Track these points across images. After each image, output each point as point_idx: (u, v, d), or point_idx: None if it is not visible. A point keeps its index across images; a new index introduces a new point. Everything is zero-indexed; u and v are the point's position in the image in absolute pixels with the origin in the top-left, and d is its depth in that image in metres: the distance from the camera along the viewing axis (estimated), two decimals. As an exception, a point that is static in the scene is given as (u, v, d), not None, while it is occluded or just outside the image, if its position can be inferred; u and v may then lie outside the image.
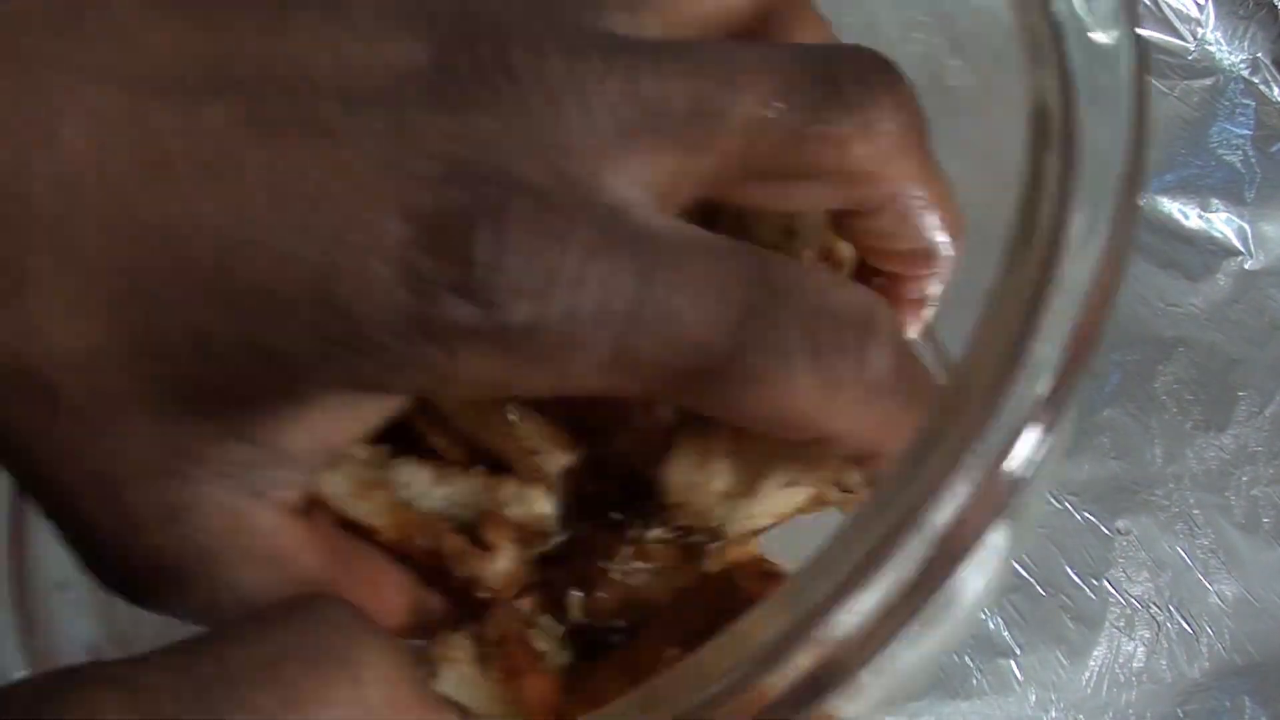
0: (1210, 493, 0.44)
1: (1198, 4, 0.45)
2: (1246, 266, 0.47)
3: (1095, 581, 0.42)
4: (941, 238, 0.30)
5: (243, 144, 0.23)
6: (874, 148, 0.26)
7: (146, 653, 0.23)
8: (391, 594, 0.29)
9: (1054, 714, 0.40)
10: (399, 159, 0.23)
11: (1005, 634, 0.41)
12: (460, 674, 0.27)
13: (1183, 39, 0.46)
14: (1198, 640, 0.42)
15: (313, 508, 0.26)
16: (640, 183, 0.25)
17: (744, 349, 0.24)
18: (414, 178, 0.23)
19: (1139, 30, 0.23)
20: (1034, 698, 0.41)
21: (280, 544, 0.26)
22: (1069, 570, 0.42)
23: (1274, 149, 0.45)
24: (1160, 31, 0.44)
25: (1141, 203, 0.45)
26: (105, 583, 0.27)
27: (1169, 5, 0.44)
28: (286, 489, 0.25)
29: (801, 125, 0.25)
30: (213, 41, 0.24)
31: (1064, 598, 0.42)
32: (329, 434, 0.25)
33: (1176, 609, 0.42)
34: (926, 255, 0.30)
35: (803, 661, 0.21)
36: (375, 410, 0.25)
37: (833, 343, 0.24)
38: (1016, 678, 0.41)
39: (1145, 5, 0.42)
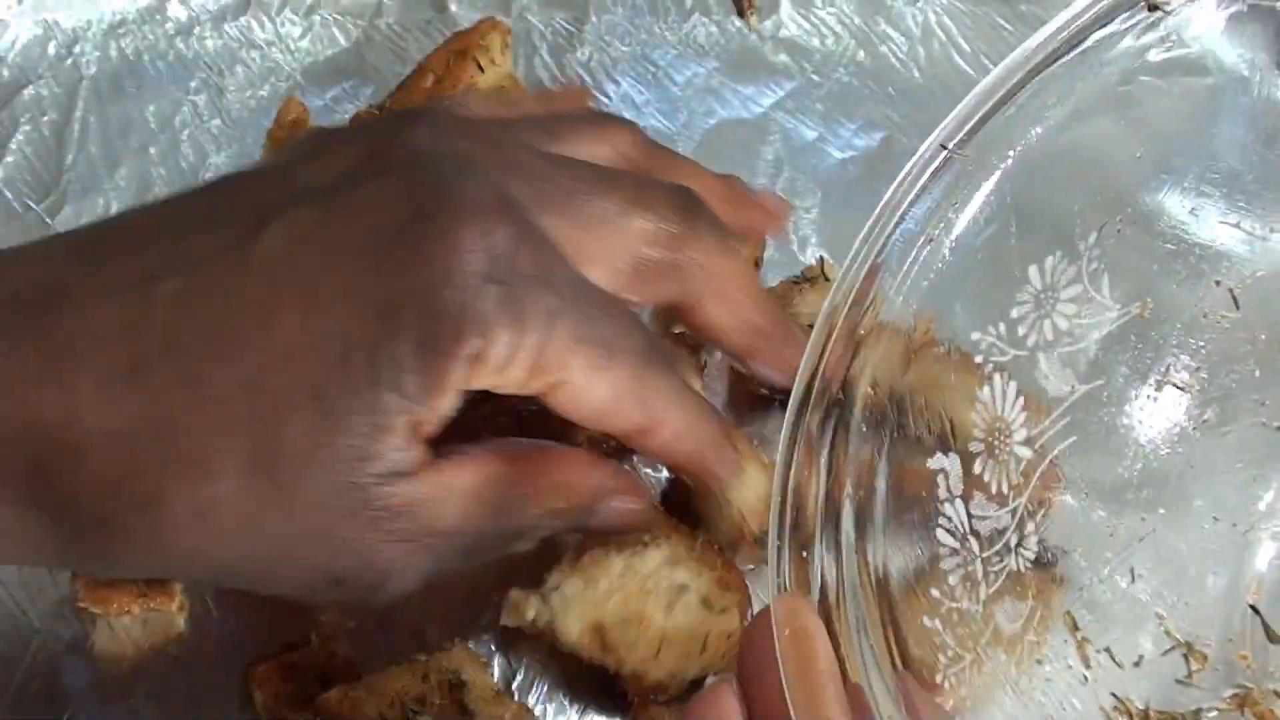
0: (1214, 491, 0.45)
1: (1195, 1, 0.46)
2: (1246, 267, 0.47)
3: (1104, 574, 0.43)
4: (756, 323, 0.47)
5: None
6: (701, 247, 0.44)
7: None
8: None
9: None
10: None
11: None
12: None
13: (1181, 36, 0.46)
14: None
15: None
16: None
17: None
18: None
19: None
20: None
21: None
22: (1081, 563, 0.42)
23: (1274, 148, 0.45)
24: (1158, 29, 0.44)
25: (1142, 203, 0.45)
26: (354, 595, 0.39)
27: (1166, 1, 0.44)
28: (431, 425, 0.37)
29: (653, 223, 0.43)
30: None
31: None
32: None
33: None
34: (745, 334, 0.47)
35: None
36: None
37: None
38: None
39: (1142, 1, 0.43)
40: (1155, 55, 0.43)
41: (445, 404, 0.36)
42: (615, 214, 0.41)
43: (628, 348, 0.39)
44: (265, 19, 0.68)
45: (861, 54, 0.69)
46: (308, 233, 0.35)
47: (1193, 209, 0.46)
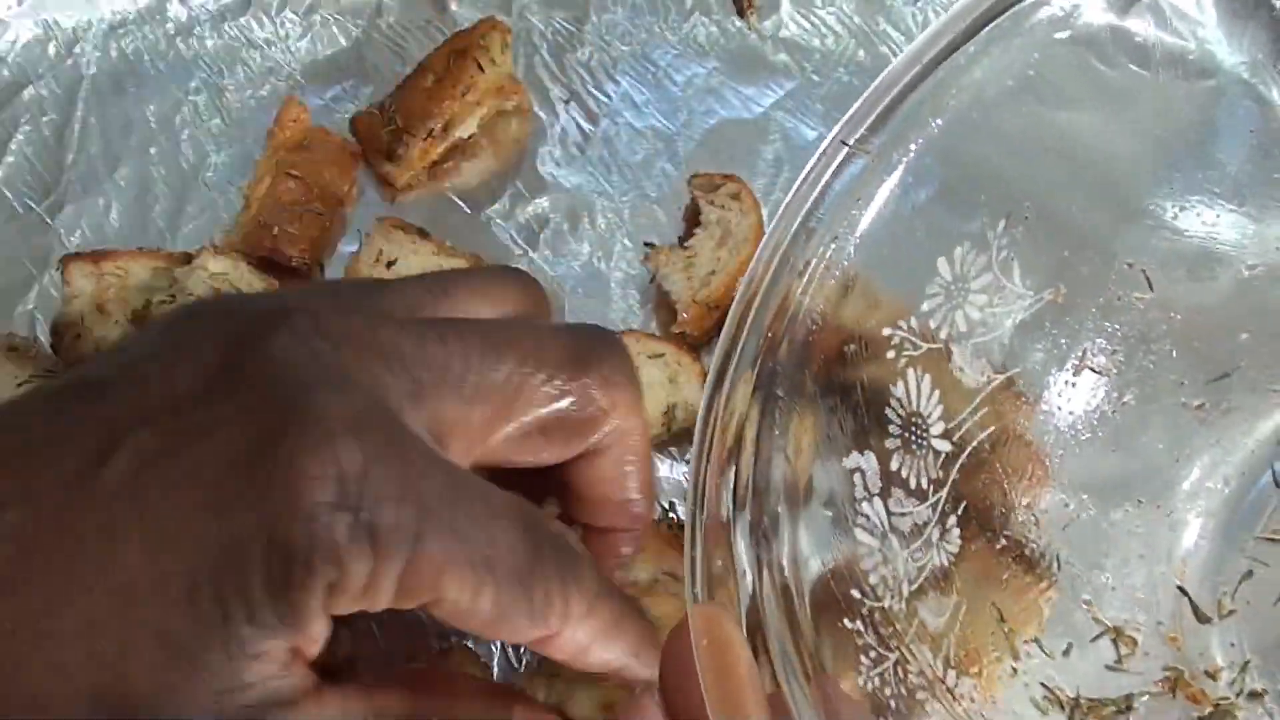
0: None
1: (1197, 3, 0.46)
2: (1248, 269, 0.47)
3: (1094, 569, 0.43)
4: (640, 498, 0.43)
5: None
6: (608, 394, 0.41)
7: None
8: None
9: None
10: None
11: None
12: None
13: (1182, 38, 0.46)
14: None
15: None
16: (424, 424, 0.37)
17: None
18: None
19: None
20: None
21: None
22: (1069, 561, 0.42)
23: (1275, 151, 0.45)
24: (1160, 30, 0.45)
25: (1144, 204, 0.45)
26: None
27: (1169, 3, 0.44)
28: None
29: (550, 379, 0.40)
30: None
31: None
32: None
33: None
34: (630, 510, 0.44)
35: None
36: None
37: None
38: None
39: (1145, 3, 0.43)
40: (1059, 34, 0.42)
41: (316, 629, 0.34)
42: (507, 381, 0.39)
43: (510, 559, 0.36)
44: (265, 19, 0.68)
45: (861, 54, 0.69)
46: (153, 461, 0.34)
47: (1191, 208, 0.46)
